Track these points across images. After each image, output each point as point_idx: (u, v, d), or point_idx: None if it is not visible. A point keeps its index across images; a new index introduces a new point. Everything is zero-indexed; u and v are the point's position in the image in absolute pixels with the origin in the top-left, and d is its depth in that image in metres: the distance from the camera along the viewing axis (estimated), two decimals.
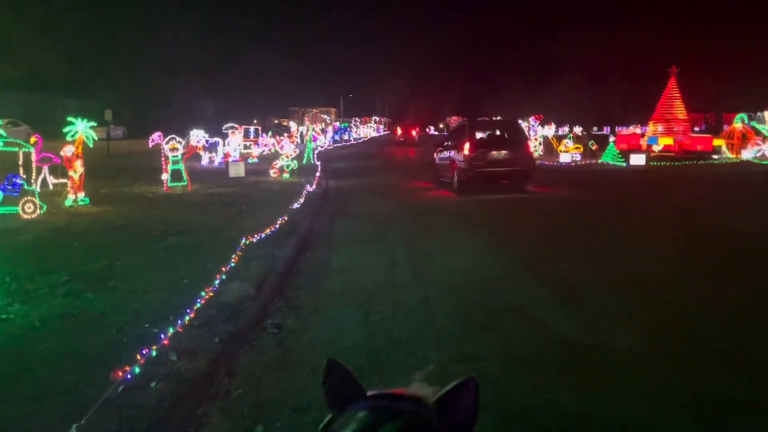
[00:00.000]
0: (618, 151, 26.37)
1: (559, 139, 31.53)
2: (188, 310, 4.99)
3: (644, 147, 29.05)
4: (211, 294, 5.52)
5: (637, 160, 25.25)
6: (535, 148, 31.10)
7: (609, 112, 61.45)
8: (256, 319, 5.33)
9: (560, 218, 11.97)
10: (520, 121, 33.46)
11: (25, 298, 5.73)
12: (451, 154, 16.32)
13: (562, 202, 14.18)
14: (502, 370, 4.28)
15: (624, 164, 25.21)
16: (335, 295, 6.33)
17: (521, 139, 16.38)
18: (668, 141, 28.33)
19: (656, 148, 28.60)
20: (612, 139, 28.66)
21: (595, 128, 54.71)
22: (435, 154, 18.72)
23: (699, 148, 28.04)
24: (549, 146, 32.89)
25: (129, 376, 3.55)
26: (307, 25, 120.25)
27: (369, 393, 0.88)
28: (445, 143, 17.84)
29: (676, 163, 26.04)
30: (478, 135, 16.43)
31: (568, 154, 27.73)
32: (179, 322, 4.71)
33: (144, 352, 3.91)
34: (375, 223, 11.18)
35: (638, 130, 30.29)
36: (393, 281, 6.86)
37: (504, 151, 15.44)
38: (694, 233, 9.85)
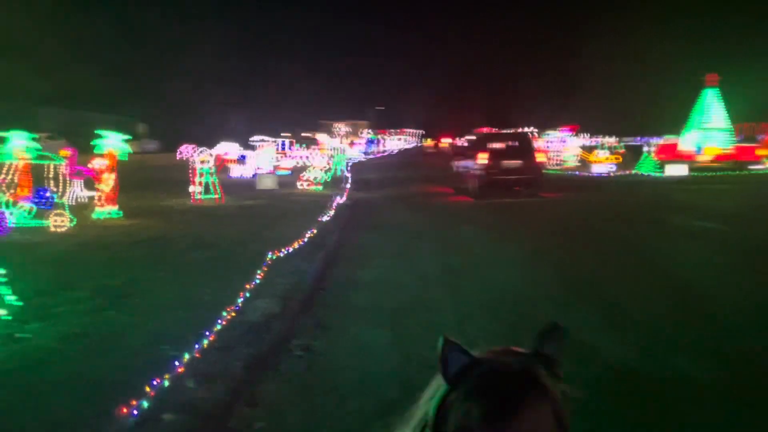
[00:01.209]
0: (655, 161, 25.55)
1: (591, 149, 30.82)
2: (209, 331, 4.69)
3: (689, 156, 28.04)
4: (233, 313, 5.21)
5: (676, 170, 24.37)
6: (569, 158, 30.48)
7: (641, 121, 60.08)
8: (282, 340, 5.00)
9: (582, 226, 11.88)
10: (555, 132, 32.99)
11: (45, 316, 5.52)
12: (469, 163, 17.80)
13: (577, 207, 14.88)
14: None
15: (661, 174, 24.39)
16: (365, 314, 5.97)
17: (531, 150, 17.92)
18: (715, 150, 27.31)
19: (702, 157, 27.57)
20: (647, 149, 27.83)
21: (627, 138, 53.49)
22: (455, 163, 20.60)
23: (747, 157, 26.96)
24: (581, 157, 32.18)
25: (136, 412, 3.23)
26: (338, 40, 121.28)
27: (477, 356, 0.93)
28: (464, 153, 19.68)
29: (717, 173, 25.07)
30: (493, 146, 17.65)
31: (602, 164, 27.02)
32: (199, 344, 4.40)
33: (155, 382, 3.59)
34: (404, 234, 10.86)
35: (677, 140, 29.22)
36: (425, 298, 6.48)
37: (516, 161, 16.86)
38: (740, 246, 9.23)
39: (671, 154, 25.36)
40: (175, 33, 53.84)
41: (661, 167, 24.79)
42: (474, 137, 20.97)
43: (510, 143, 18.28)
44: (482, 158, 16.64)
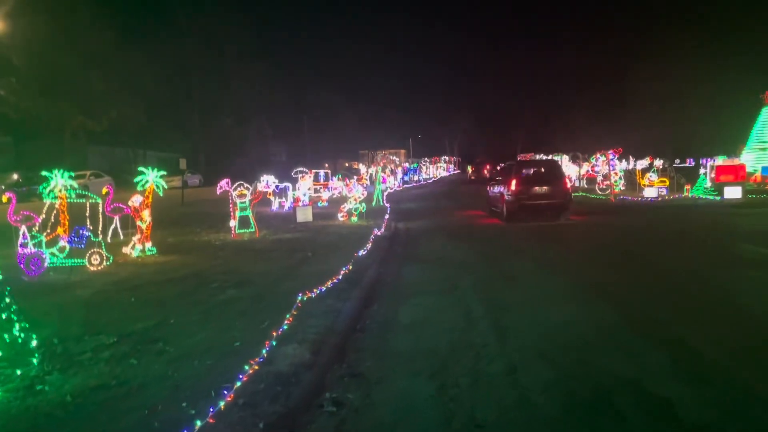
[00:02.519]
0: (712, 184, 24.33)
1: (643, 172, 29.80)
2: (231, 386, 4.27)
3: (758, 179, 26.58)
4: (261, 362, 4.78)
5: (733, 193, 23.09)
6: (616, 182, 29.51)
7: (692, 142, 58.19)
8: (312, 393, 4.53)
9: (636, 254, 11.30)
10: (597, 156, 32.06)
11: (66, 365, 5.23)
12: (501, 188, 18.55)
13: (626, 234, 14.68)
14: None
15: (717, 198, 23.16)
16: (404, 360, 5.46)
17: (560, 176, 18.65)
18: None
19: None
20: (702, 171, 26.62)
21: (677, 160, 52.04)
22: (488, 188, 21.44)
23: None
24: (631, 180, 31.09)
25: None
26: (376, 69, 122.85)
27: None
28: (497, 178, 20.34)
29: None
30: (523, 173, 18.49)
31: (653, 188, 25.96)
32: (220, 400, 3.98)
33: None
34: (444, 266, 10.34)
35: (736, 161, 27.73)
36: (470, 341, 5.92)
37: (545, 187, 17.64)
38: None
39: (735, 175, 23.88)
40: (219, 69, 55.29)
41: (718, 190, 23.55)
42: (506, 164, 21.39)
43: (539, 170, 19.21)
44: (513, 184, 17.48)
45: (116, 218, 13.51)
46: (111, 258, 10.77)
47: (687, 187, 26.70)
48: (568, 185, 18.83)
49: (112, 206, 12.61)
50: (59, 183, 11.14)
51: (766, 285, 8.11)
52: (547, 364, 5.11)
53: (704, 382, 4.60)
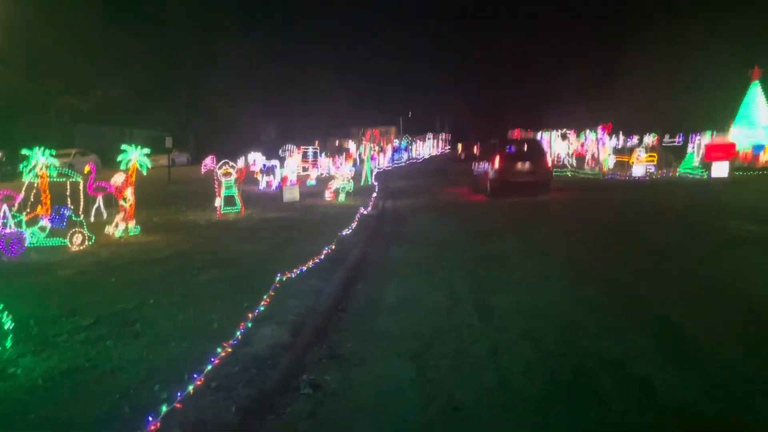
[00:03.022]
0: (701, 161, 24.38)
1: (631, 150, 29.79)
2: (206, 368, 4.18)
3: (749, 156, 26.62)
4: (231, 348, 4.69)
5: (720, 171, 23.13)
6: (605, 160, 29.47)
7: (680, 120, 58.16)
8: (289, 375, 4.46)
9: (623, 232, 11.26)
10: (587, 133, 31.94)
11: (41, 347, 5.12)
12: (485, 166, 19.18)
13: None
14: None
15: (705, 175, 23.21)
16: (386, 341, 5.39)
17: (541, 154, 19.58)
18: None
19: (764, 157, 26.12)
20: (691, 148, 26.61)
21: (667, 137, 52.05)
22: (473, 166, 22.14)
23: None
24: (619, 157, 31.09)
25: None
26: (367, 47, 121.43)
27: None
28: (482, 157, 21.13)
29: (766, 172, 23.78)
30: (506, 151, 19.07)
31: (642, 165, 25.94)
32: (193, 384, 3.90)
33: None
34: (430, 245, 10.24)
35: (726, 138, 27.67)
36: (455, 321, 5.86)
37: (527, 164, 18.23)
38: None
39: (725, 154, 23.83)
40: (206, 45, 54.44)
41: (706, 168, 23.59)
42: (490, 143, 21.87)
43: (521, 148, 19.78)
44: (496, 162, 18.06)
45: (99, 197, 13.32)
46: (93, 238, 10.60)
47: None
48: (550, 163, 19.47)
49: (94, 185, 12.42)
50: (40, 161, 10.91)
51: (752, 262, 8.10)
52: (529, 345, 5.03)
53: (688, 363, 4.56)
